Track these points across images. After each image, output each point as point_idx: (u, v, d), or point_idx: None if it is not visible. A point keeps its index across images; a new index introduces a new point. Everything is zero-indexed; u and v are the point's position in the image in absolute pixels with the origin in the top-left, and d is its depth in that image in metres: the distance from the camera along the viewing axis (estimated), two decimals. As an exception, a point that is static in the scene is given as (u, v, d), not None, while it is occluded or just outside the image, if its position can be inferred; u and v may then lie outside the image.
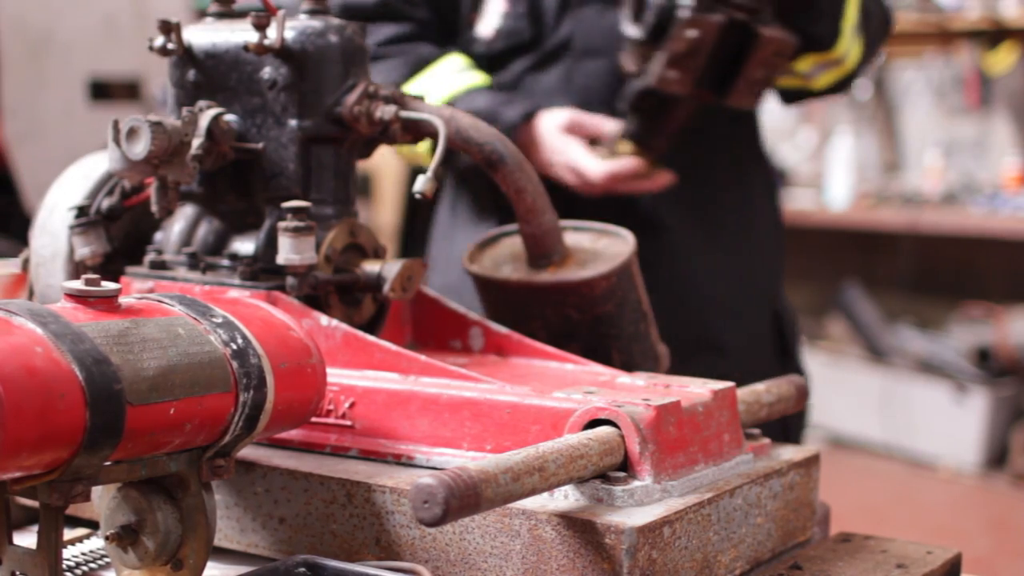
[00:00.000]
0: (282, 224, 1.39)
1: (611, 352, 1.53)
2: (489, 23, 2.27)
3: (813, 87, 2.22)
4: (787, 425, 2.11)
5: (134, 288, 1.46)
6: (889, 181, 6.56)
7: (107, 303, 1.09)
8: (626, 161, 2.10)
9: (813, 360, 4.79)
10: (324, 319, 1.38)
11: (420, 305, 1.43)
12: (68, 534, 1.29)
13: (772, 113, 5.26)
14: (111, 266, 1.51)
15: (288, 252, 1.39)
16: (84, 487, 1.03)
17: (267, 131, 1.46)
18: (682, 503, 1.18)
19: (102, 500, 1.16)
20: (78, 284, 1.09)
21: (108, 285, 1.10)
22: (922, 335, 6.09)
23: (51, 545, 1.05)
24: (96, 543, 1.32)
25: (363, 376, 1.34)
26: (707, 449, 1.26)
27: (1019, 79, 6.01)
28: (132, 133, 1.38)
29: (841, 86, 2.25)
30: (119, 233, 1.54)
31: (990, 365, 5.74)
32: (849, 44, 2.03)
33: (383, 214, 6.50)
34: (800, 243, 5.60)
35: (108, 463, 1.06)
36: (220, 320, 1.14)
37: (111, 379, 1.01)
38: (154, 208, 1.44)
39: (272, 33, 1.42)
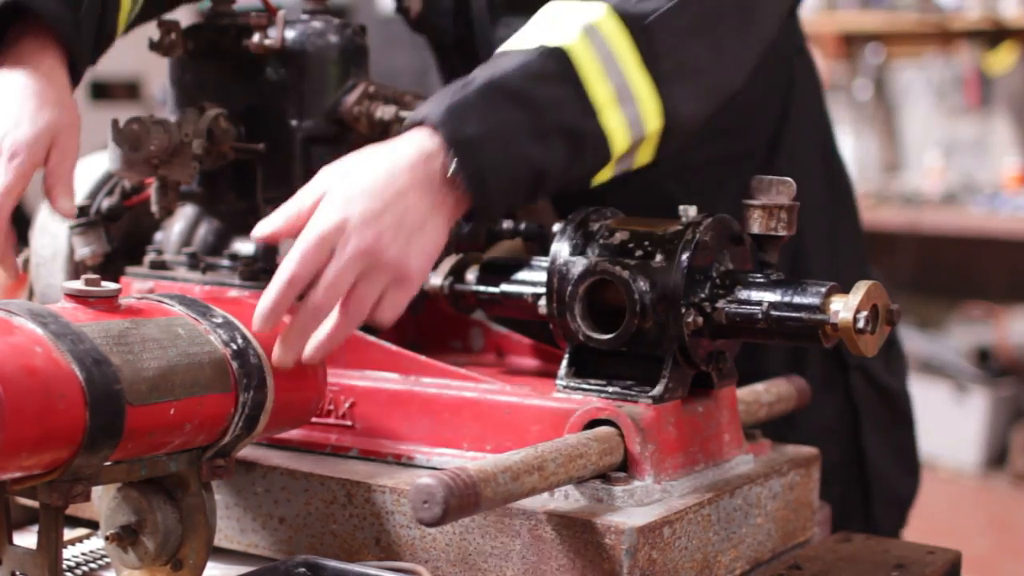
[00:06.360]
0: (282, 224, 1.39)
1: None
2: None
3: (639, 165, 1.41)
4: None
5: (134, 288, 1.46)
6: (889, 181, 6.55)
7: (107, 303, 1.09)
8: None
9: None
10: (324, 319, 1.38)
11: (420, 305, 1.43)
12: (68, 534, 1.28)
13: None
14: (111, 266, 1.51)
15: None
16: (84, 487, 1.03)
17: (267, 131, 1.45)
18: (682, 503, 1.18)
19: (102, 500, 1.16)
20: (78, 284, 1.08)
21: (108, 285, 1.10)
22: (922, 335, 6.07)
23: (51, 545, 1.05)
24: (96, 543, 1.32)
25: (363, 376, 1.34)
26: (707, 449, 1.26)
27: (1019, 79, 6.00)
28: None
29: (667, 144, 1.36)
30: (119, 233, 1.54)
31: (990, 365, 5.72)
32: (624, 126, 1.29)
33: (383, 214, 6.49)
34: (800, 243, 5.56)
35: (108, 463, 1.05)
36: (220, 320, 1.14)
37: (111, 379, 1.01)
38: (154, 208, 1.44)
39: (272, 33, 1.42)
